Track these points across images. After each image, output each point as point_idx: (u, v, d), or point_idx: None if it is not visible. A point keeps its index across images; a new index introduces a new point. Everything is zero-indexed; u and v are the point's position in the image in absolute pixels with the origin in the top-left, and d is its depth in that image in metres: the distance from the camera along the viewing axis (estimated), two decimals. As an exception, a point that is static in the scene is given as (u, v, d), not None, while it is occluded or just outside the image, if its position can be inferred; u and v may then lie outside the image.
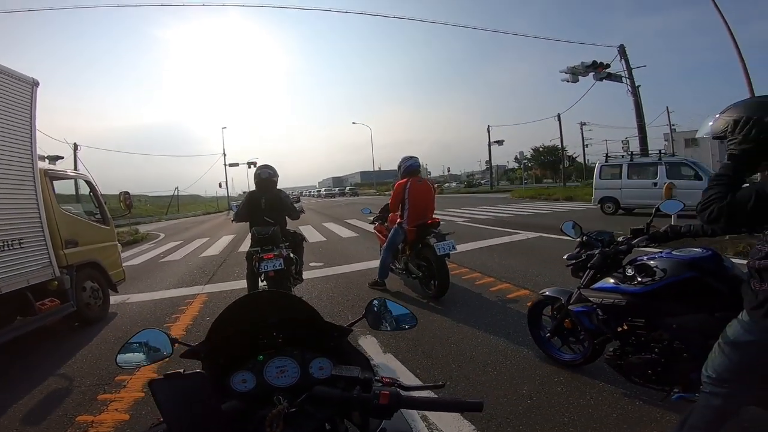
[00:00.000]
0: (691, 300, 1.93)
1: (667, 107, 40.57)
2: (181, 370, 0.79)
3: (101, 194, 5.54)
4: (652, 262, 2.09)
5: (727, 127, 1.52)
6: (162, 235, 16.20)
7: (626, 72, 20.11)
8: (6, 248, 3.61)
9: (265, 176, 4.81)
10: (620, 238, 2.48)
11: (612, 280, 2.24)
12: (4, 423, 2.66)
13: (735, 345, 1.55)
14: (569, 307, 2.51)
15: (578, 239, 2.62)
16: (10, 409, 2.82)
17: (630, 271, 2.16)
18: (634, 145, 27.21)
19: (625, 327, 2.17)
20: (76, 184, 5.75)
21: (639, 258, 2.20)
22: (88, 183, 5.41)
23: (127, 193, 5.85)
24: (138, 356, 1.06)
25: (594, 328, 2.38)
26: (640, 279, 2.10)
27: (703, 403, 1.64)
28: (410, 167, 5.04)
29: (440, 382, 1.02)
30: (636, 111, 20.00)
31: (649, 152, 15.72)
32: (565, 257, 2.43)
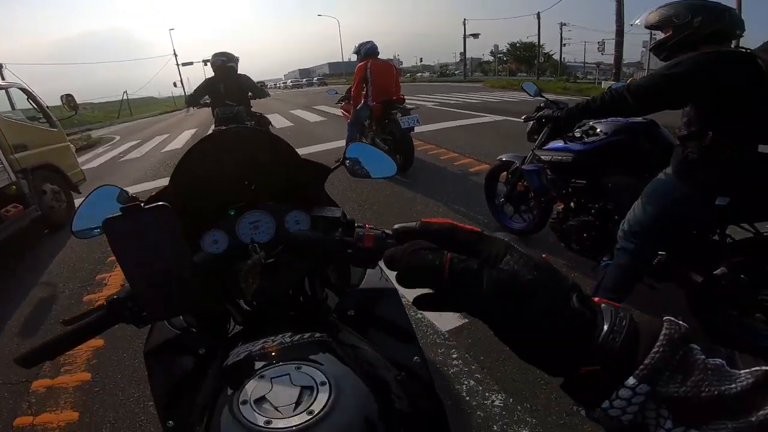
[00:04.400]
0: (626, 161, 2.11)
1: (650, 11, 37.68)
2: (141, 203, 0.64)
3: (40, 99, 5.22)
4: (598, 125, 2.24)
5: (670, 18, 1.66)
6: (117, 137, 15.22)
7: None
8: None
9: (219, 63, 4.86)
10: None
11: (562, 141, 2.38)
12: (3, 341, 2.60)
13: (652, 196, 1.73)
14: (522, 167, 2.67)
15: (536, 98, 2.68)
16: (6, 325, 2.76)
17: (578, 133, 2.31)
18: (610, 49, 25.90)
19: (570, 189, 2.37)
20: (8, 93, 5.33)
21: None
22: (23, 90, 5.10)
23: (69, 95, 5.59)
24: (94, 221, 0.90)
25: (542, 186, 2.58)
26: (585, 139, 2.26)
27: (614, 263, 1.86)
28: (369, 49, 5.03)
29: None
30: (617, 13, 18.44)
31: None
32: (522, 117, 2.51)
